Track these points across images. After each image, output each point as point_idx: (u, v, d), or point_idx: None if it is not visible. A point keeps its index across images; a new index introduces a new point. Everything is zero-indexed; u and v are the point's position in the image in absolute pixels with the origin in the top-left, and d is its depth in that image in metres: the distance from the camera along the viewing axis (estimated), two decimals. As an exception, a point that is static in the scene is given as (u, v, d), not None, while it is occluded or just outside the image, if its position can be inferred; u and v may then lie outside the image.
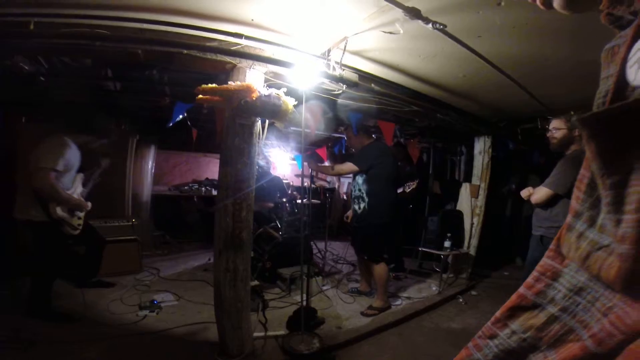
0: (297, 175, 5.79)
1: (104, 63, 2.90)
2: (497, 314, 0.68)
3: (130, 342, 2.35)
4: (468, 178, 4.56)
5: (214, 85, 1.88)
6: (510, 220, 4.96)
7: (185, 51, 1.94)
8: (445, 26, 1.78)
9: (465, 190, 4.25)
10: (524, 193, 2.59)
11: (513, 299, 0.67)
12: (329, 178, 7.48)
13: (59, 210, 2.59)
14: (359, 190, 3.15)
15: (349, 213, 3.49)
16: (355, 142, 3.30)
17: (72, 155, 2.66)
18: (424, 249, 4.03)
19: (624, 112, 0.44)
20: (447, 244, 3.68)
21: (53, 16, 1.78)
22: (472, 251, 4.09)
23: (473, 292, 3.79)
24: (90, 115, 3.15)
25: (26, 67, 2.76)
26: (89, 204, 2.87)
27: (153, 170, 4.90)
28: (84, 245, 3.07)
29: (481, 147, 4.18)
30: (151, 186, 4.84)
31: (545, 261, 0.64)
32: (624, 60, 0.50)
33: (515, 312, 0.65)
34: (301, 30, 2.05)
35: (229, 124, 2.07)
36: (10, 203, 3.14)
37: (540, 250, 2.42)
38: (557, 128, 2.43)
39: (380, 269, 3.07)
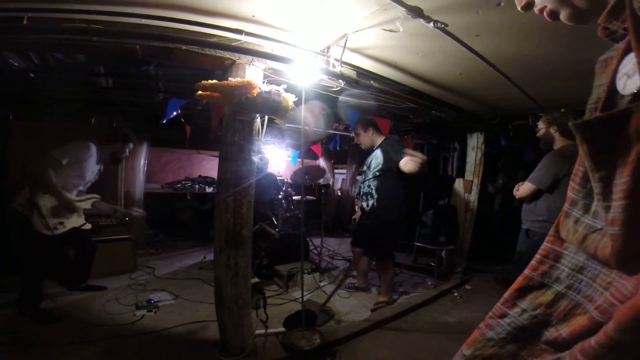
0: (295, 172, 5.77)
1: (98, 59, 2.83)
2: (506, 295, 0.75)
3: (129, 343, 2.33)
4: (461, 174, 4.63)
5: (214, 81, 1.86)
6: (501, 215, 5.05)
7: (184, 47, 1.90)
8: (446, 25, 1.79)
9: (458, 185, 4.32)
10: (515, 188, 2.67)
11: (519, 280, 0.74)
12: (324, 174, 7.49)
13: (40, 198, 2.57)
14: (369, 186, 3.11)
15: (356, 215, 3.40)
16: (367, 140, 3.22)
17: (87, 160, 2.77)
18: (418, 244, 4.08)
19: (608, 120, 0.53)
20: (441, 238, 3.74)
21: (48, 11, 1.72)
22: (466, 246, 4.16)
23: (467, 286, 3.86)
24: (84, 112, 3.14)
25: (16, 64, 2.69)
26: (82, 218, 2.90)
27: (145, 168, 4.82)
28: (73, 248, 3.01)
29: (474, 143, 4.24)
30: (144, 184, 4.77)
31: (546, 245, 0.73)
32: (615, 72, 0.56)
33: (522, 292, 0.72)
34: (302, 27, 2.03)
35: (228, 121, 2.05)
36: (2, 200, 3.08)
37: (527, 243, 2.51)
38: (539, 128, 2.55)
39: (388, 267, 3.10)
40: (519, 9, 0.69)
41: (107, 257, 3.45)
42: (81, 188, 2.91)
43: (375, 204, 3.03)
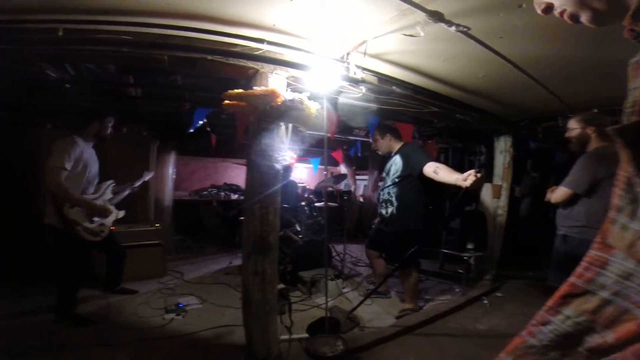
0: (321, 183, 5.78)
1: (127, 69, 2.95)
2: (549, 302, 0.75)
3: (159, 346, 2.39)
4: (488, 178, 4.49)
5: (240, 90, 1.91)
6: (529, 220, 4.86)
7: (209, 57, 1.97)
8: (469, 29, 1.78)
9: (486, 190, 4.18)
10: (548, 192, 2.57)
11: (564, 287, 0.74)
12: (344, 180, 7.48)
13: (72, 213, 2.55)
14: (388, 193, 3.07)
15: (377, 220, 3.40)
16: (384, 146, 3.19)
17: (82, 153, 2.61)
18: (445, 251, 3.99)
19: None
20: (470, 245, 3.64)
21: (81, 22, 1.81)
22: (496, 252, 4.02)
23: (498, 294, 3.73)
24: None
25: (52, 75, 2.78)
26: (115, 211, 2.92)
27: (174, 176, 5.00)
28: (104, 254, 3.09)
29: (502, 146, 4.11)
30: (172, 192, 4.94)
31: (592, 252, 0.72)
32: None
33: (567, 299, 0.73)
34: (321, 35, 2.06)
35: (254, 129, 2.09)
36: (35, 207, 3.16)
37: (564, 249, 2.39)
38: (572, 128, 2.44)
39: (411, 275, 3.05)
40: (539, 12, 0.68)
41: (139, 261, 3.58)
42: (97, 180, 2.85)
43: (395, 211, 2.98)
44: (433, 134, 4.78)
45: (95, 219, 2.74)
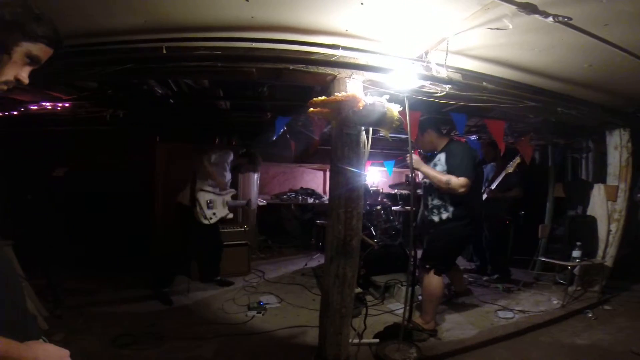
0: (405, 183, 5.53)
1: (218, 84, 3.22)
2: None
3: (240, 342, 2.54)
4: (599, 178, 3.86)
5: (323, 97, 1.95)
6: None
7: (291, 66, 2.05)
8: (570, 19, 1.57)
9: (598, 192, 3.60)
10: None
11: None
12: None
13: (199, 196, 3.31)
14: (441, 198, 2.68)
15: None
16: (426, 143, 2.83)
17: (226, 161, 3.55)
18: (545, 259, 3.56)
19: None
20: (576, 253, 3.19)
21: (179, 40, 2.02)
22: (609, 262, 3.44)
23: (606, 307, 3.24)
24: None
25: (159, 91, 3.14)
26: (227, 211, 3.58)
27: (258, 181, 5.34)
28: (208, 240, 3.56)
29: (617, 141, 3.49)
30: (257, 195, 5.28)
31: None
32: None
33: None
34: (395, 35, 2.01)
35: (337, 135, 2.10)
36: (151, 206, 3.94)
37: None
38: None
39: (437, 283, 2.63)
40: None
41: (229, 259, 3.88)
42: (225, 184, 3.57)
43: (450, 216, 2.64)
44: (527, 130, 4.27)
45: (211, 205, 3.40)
